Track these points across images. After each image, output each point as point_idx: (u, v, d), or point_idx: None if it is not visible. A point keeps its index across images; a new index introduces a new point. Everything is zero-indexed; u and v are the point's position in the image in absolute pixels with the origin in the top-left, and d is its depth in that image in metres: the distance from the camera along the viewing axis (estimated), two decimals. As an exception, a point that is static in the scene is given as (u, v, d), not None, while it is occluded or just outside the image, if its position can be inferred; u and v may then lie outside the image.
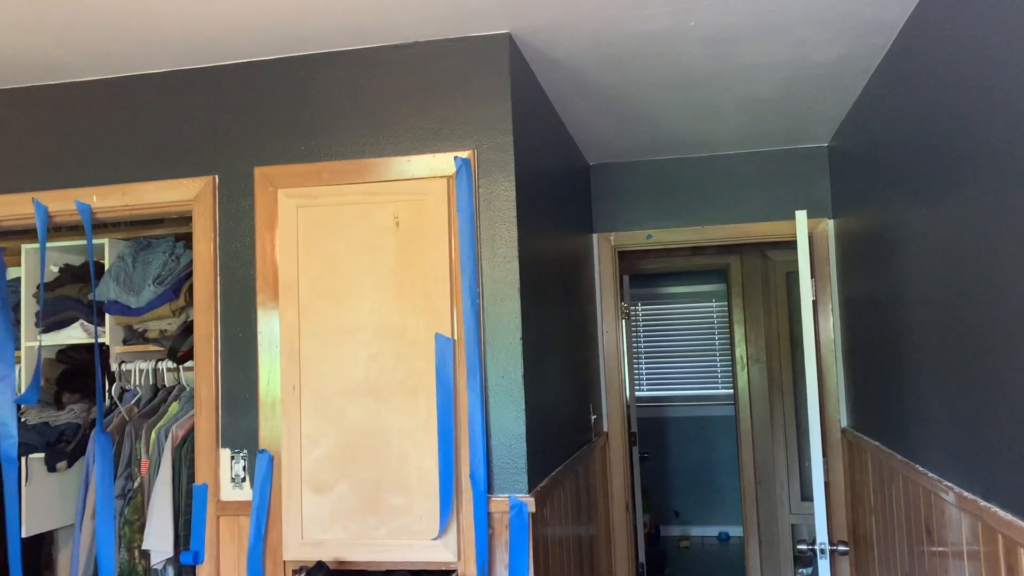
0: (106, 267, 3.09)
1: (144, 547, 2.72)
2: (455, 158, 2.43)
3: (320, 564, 2.34)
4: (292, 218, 2.52)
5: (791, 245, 4.79)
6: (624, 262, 4.41)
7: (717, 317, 7.33)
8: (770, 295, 5.59)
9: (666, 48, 2.66)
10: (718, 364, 7.34)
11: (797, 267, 4.23)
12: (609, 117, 3.41)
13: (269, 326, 2.51)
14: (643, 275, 7.05)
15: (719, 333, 7.32)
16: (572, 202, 3.61)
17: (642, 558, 5.16)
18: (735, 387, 5.63)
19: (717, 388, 7.35)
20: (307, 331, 2.48)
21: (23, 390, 3.08)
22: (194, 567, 2.57)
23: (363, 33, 2.45)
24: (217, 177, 2.61)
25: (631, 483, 4.36)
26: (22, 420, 3.03)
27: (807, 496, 5.46)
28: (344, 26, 2.40)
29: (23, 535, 3.08)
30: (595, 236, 4.18)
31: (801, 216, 3.25)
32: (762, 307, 5.59)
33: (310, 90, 2.57)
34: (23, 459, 3.07)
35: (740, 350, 5.61)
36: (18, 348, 3.14)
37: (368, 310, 2.44)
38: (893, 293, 2.81)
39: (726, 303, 7.02)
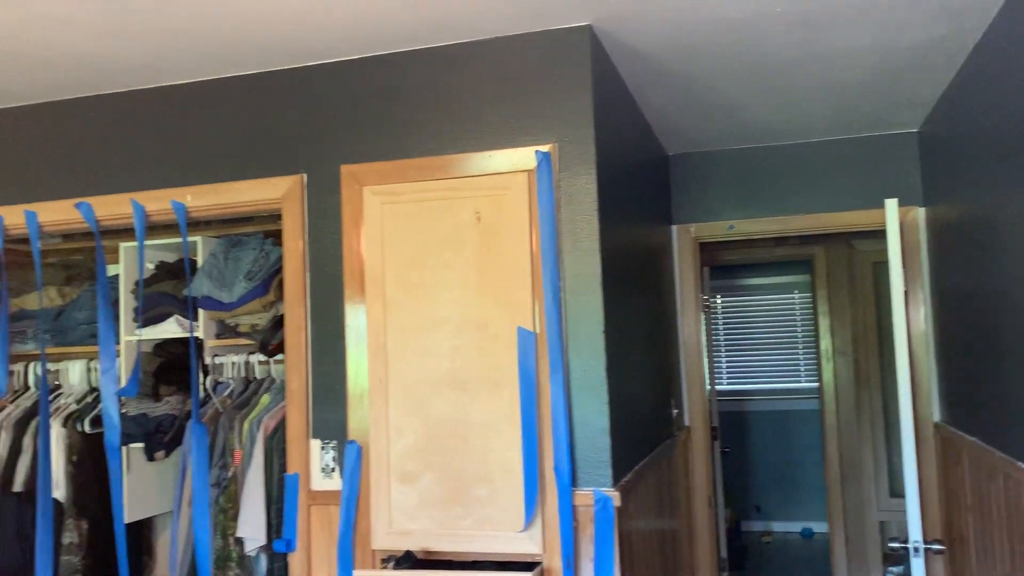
0: (199, 264, 3.21)
1: (238, 535, 2.82)
2: (536, 152, 2.43)
3: (408, 553, 2.39)
4: (377, 214, 2.57)
5: (878, 234, 4.64)
6: (704, 253, 4.35)
7: (800, 309, 7.17)
8: (856, 286, 5.43)
9: (749, 34, 2.61)
10: (801, 357, 7.18)
11: (885, 257, 4.11)
12: (689, 106, 3.36)
13: (356, 320, 2.56)
14: (724, 266, 6.94)
15: (802, 325, 7.16)
16: (652, 193, 3.58)
17: (724, 553, 5.09)
18: (820, 380, 5.50)
19: (800, 382, 7.19)
20: (393, 324, 2.52)
21: (124, 383, 3.22)
22: (286, 555, 2.66)
23: (446, 30, 2.48)
24: (305, 176, 2.68)
25: (712, 477, 4.31)
26: (123, 411, 3.17)
27: (896, 492, 5.30)
28: (428, 23, 2.43)
29: (125, 521, 3.22)
30: (675, 227, 4.13)
31: (891, 204, 3.15)
32: (848, 298, 5.44)
33: (394, 88, 2.61)
34: (124, 448, 3.21)
35: (825, 343, 5.47)
36: (118, 342, 3.29)
37: (451, 304, 2.48)
38: (992, 283, 2.70)
39: (810, 294, 6.85)
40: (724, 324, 7.30)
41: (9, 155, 2.97)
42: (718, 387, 7.29)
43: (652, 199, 3.58)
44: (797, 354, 7.19)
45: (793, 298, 7.17)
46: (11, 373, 3.46)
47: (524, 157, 2.46)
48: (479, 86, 2.53)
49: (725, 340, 7.29)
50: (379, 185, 2.58)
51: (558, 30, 2.47)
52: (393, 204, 2.56)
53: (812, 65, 2.92)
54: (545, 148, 2.43)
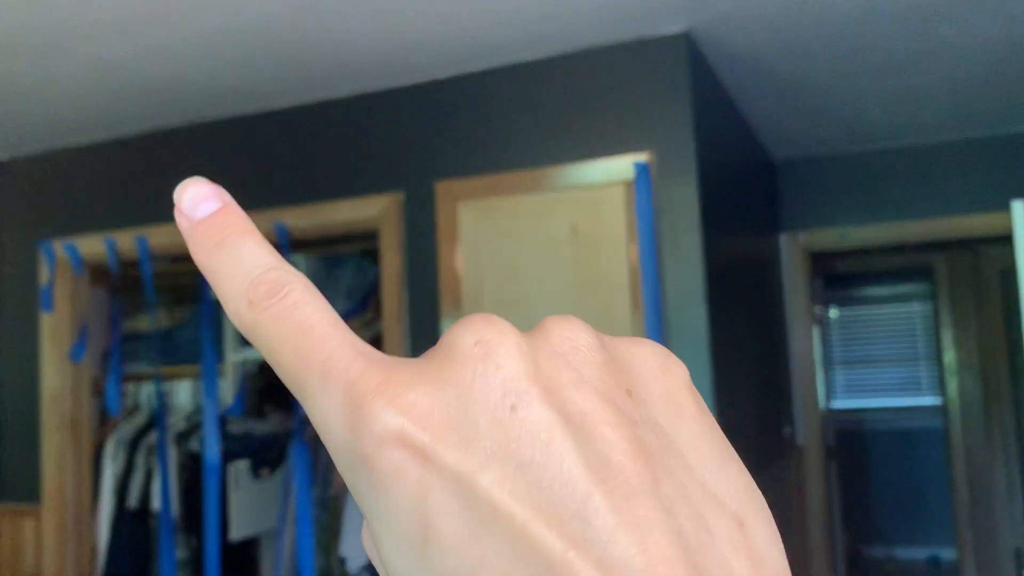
0: (301, 284, 3.25)
1: (340, 553, 2.82)
2: (633, 163, 2.35)
3: None
4: (472, 230, 2.54)
5: (1005, 240, 4.33)
6: (816, 263, 4.15)
7: (920, 321, 6.78)
8: (982, 295, 5.09)
9: (859, 31, 2.46)
10: (922, 372, 6.78)
11: (1013, 263, 3.82)
12: (795, 110, 3.21)
13: (452, 338, 2.53)
14: (836, 277, 6.64)
15: (923, 338, 6.76)
16: (757, 202, 3.43)
17: (843, 580, 4.82)
18: (944, 396, 5.16)
19: (922, 398, 6.79)
20: (489, 342, 2.48)
21: (229, 402, 3.30)
22: (387, 574, 2.64)
23: (540, 43, 2.43)
24: (402, 194, 2.68)
25: (829, 499, 4.08)
26: (228, 430, 3.24)
27: (1034, 518, 4.91)
28: (522, 38, 2.39)
29: (232, 539, 3.29)
30: (782, 236, 3.95)
31: (1018, 207, 2.91)
32: (973, 308, 5.09)
33: (487, 103, 2.59)
34: (230, 466, 3.28)
35: (948, 356, 5.13)
36: (223, 362, 3.37)
37: (548, 320, 2.41)
38: None
39: (931, 305, 6.47)
40: (839, 338, 6.98)
41: (121, 181, 3.09)
42: (833, 404, 6.96)
43: (758, 208, 3.43)
44: (918, 369, 6.79)
45: (912, 309, 6.79)
46: (124, 393, 3.60)
47: (621, 168, 2.38)
48: (573, 98, 2.47)
49: (840, 355, 6.96)
50: (473, 200, 2.55)
51: (655, 37, 2.39)
52: (488, 219, 2.52)
53: (929, 61, 2.74)
54: (643, 158, 2.35)
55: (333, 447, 0.21)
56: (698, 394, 0.23)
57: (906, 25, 2.43)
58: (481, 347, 0.21)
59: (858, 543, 6.61)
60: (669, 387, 0.23)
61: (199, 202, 0.24)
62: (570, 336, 0.23)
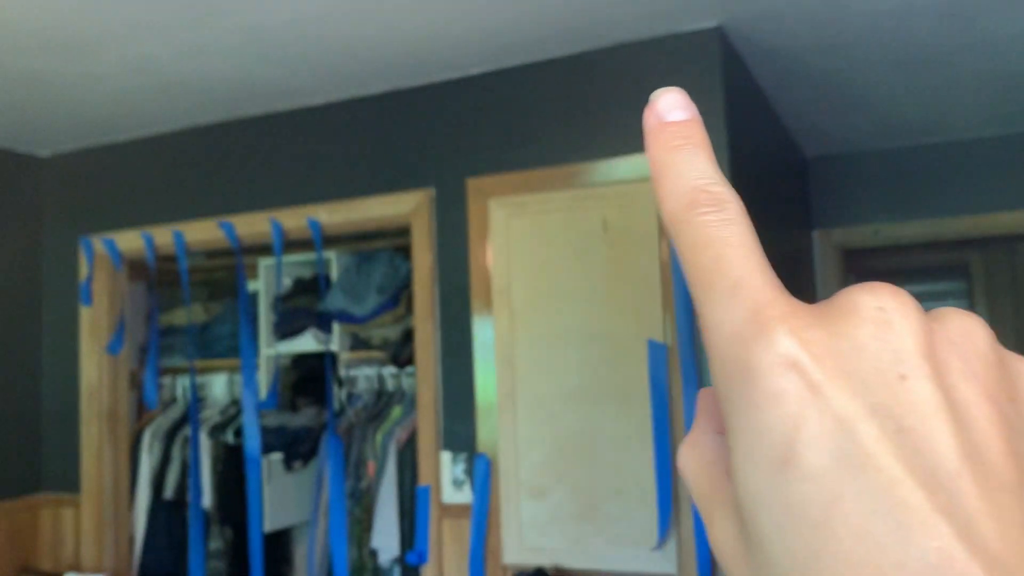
0: (333, 279, 3.29)
1: (372, 546, 2.85)
2: (665, 157, 2.35)
3: (539, 570, 2.34)
4: (503, 226, 2.55)
5: (1045, 237, 4.26)
6: (849, 260, 4.10)
7: (954, 319, 6.68)
8: (1020, 293, 5.00)
9: (896, 25, 2.44)
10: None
11: (1055, 261, 3.76)
12: (829, 106, 3.18)
13: (484, 332, 2.55)
14: (871, 274, 6.56)
15: (957, 337, 6.66)
16: (789, 198, 3.41)
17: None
18: (979, 396, 5.08)
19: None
20: (520, 337, 2.49)
21: (263, 395, 3.34)
22: (419, 567, 2.66)
23: (571, 39, 2.44)
24: (432, 190, 2.70)
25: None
26: (262, 423, 3.29)
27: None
28: (553, 34, 2.39)
29: (266, 530, 3.33)
30: (815, 233, 3.92)
31: (1062, 202, 2.87)
32: (1011, 307, 5.01)
33: (518, 99, 2.60)
34: (264, 459, 3.33)
35: (984, 355, 5.05)
36: (258, 356, 3.42)
37: (578, 315, 2.42)
38: None
39: (967, 303, 6.37)
40: (870, 336, 6.89)
41: (158, 178, 3.14)
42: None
43: (790, 204, 3.41)
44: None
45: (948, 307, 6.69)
46: (161, 386, 3.66)
47: (653, 163, 2.37)
48: (604, 93, 2.47)
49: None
50: (504, 197, 2.56)
51: (686, 33, 2.38)
52: (518, 215, 2.53)
53: (967, 56, 2.70)
54: (675, 153, 2.34)
55: (718, 356, 0.23)
56: None
57: (943, 19, 2.40)
58: (883, 313, 0.22)
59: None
60: None
61: (672, 107, 0.26)
62: (969, 330, 0.23)
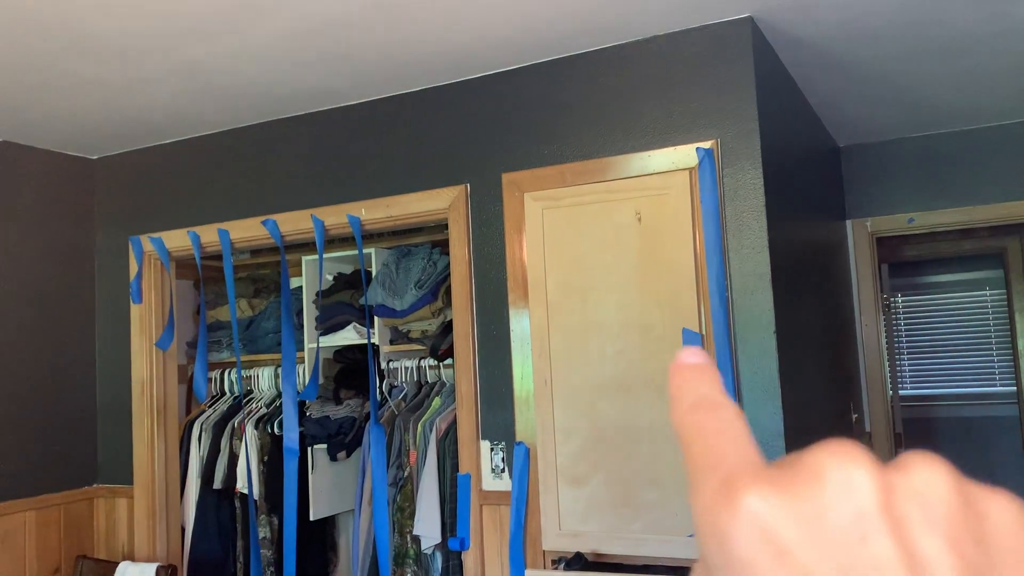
0: (373, 274, 3.37)
1: (414, 533, 2.93)
2: (697, 149, 2.39)
3: (578, 555, 2.39)
4: (538, 220, 2.60)
5: (1085, 222, 4.21)
6: (882, 249, 4.10)
7: (993, 307, 6.61)
8: (1059, 280, 4.95)
9: (928, 13, 2.45)
10: (995, 359, 6.61)
11: (1094, 246, 3.73)
12: (862, 95, 3.19)
13: (520, 324, 2.61)
14: (903, 263, 6.52)
15: (996, 325, 6.59)
16: (822, 188, 3.42)
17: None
18: (1019, 384, 5.05)
19: (995, 386, 6.62)
20: (555, 328, 2.55)
21: (303, 386, 3.43)
22: (460, 553, 2.73)
23: (604, 33, 2.48)
24: (468, 185, 2.76)
25: (898, 487, 4.04)
26: (307, 414, 3.38)
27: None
28: (587, 28, 2.44)
29: (311, 519, 3.43)
30: (848, 223, 3.92)
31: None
32: (1049, 294, 4.96)
33: (552, 94, 2.65)
34: (309, 450, 3.42)
35: (1023, 343, 5.02)
36: (302, 349, 3.51)
37: (613, 306, 2.47)
38: None
39: (1003, 291, 6.31)
40: (905, 325, 6.85)
41: (204, 178, 3.24)
42: (901, 391, 6.83)
43: (822, 193, 3.42)
44: (991, 356, 6.63)
45: (984, 295, 6.62)
46: (209, 380, 3.77)
47: (685, 155, 2.42)
48: (637, 86, 2.51)
49: (907, 342, 6.83)
50: (539, 191, 2.61)
51: (717, 24, 2.42)
52: (553, 209, 2.59)
53: (1002, 42, 2.70)
54: (707, 145, 2.38)
55: (698, 525, 0.25)
56: None
57: (977, 5, 2.41)
58: (844, 473, 0.23)
59: (929, 533, 6.48)
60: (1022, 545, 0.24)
61: (691, 355, 0.30)
62: (931, 478, 0.24)
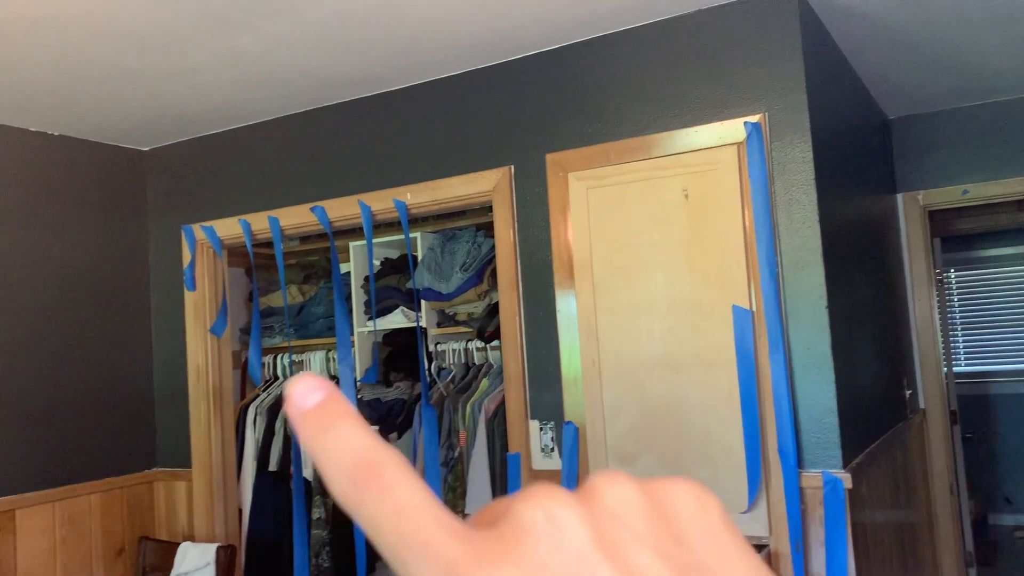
0: (419, 258, 3.40)
1: (466, 512, 2.97)
2: (744, 123, 2.36)
3: (629, 533, 2.40)
4: (582, 200, 2.60)
5: None
6: (934, 223, 4.01)
7: (1050, 280, 6.43)
8: (1121, 251, 4.80)
9: (981, -23, 2.38)
10: (1054, 334, 6.44)
11: None
12: (912, 64, 3.12)
13: (567, 304, 2.61)
14: (956, 237, 6.38)
15: (1054, 298, 6.41)
16: (871, 160, 3.36)
17: (970, 546, 4.68)
18: (1079, 358, 4.91)
19: (1054, 361, 6.45)
20: (602, 307, 2.55)
21: (358, 371, 3.48)
22: (512, 531, 2.76)
23: (647, 8, 2.46)
24: (512, 167, 2.76)
25: (954, 464, 3.98)
26: (359, 397, 3.43)
27: None
28: (630, 4, 2.42)
29: (364, 499, 3.48)
30: (899, 196, 3.85)
31: None
32: (1111, 265, 4.81)
33: (594, 73, 2.63)
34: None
35: (1084, 316, 4.87)
36: (352, 334, 3.56)
37: (661, 285, 2.46)
38: None
39: (1062, 264, 6.15)
40: (960, 301, 6.70)
41: (252, 166, 3.29)
42: (955, 368, 6.69)
43: (872, 166, 3.36)
44: (1049, 331, 6.46)
45: (1042, 268, 6.45)
46: (263, 365, 3.84)
47: (732, 130, 2.39)
48: (682, 61, 2.49)
49: (961, 317, 6.68)
50: (583, 171, 2.61)
51: (763, -4, 2.38)
52: (598, 188, 2.58)
53: (1058, 3, 2.62)
54: (754, 119, 2.36)
55: None
56: (731, 522, 0.26)
57: (1031, -32, 2.34)
58: (550, 521, 0.23)
59: (985, 510, 6.38)
60: (709, 526, 0.25)
61: (307, 394, 0.27)
62: (620, 495, 0.25)
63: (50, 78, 2.70)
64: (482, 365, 3.31)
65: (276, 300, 3.90)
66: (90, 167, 3.36)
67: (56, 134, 3.25)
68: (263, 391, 3.80)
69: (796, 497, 2.23)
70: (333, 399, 0.26)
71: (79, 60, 2.58)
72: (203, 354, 3.35)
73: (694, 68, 2.47)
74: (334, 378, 3.72)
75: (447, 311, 3.39)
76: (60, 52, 2.51)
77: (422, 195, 2.92)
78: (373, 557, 3.74)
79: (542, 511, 0.24)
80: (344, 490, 0.25)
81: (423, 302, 3.37)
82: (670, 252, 2.45)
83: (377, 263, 3.63)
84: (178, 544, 3.16)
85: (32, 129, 3.17)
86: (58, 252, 3.21)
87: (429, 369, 3.37)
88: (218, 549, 3.02)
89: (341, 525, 3.52)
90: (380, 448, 0.25)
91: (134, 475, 3.38)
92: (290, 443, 3.55)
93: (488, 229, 3.29)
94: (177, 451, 3.41)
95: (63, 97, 2.88)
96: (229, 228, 3.29)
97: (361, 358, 3.53)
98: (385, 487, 0.24)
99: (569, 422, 2.58)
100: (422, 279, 3.30)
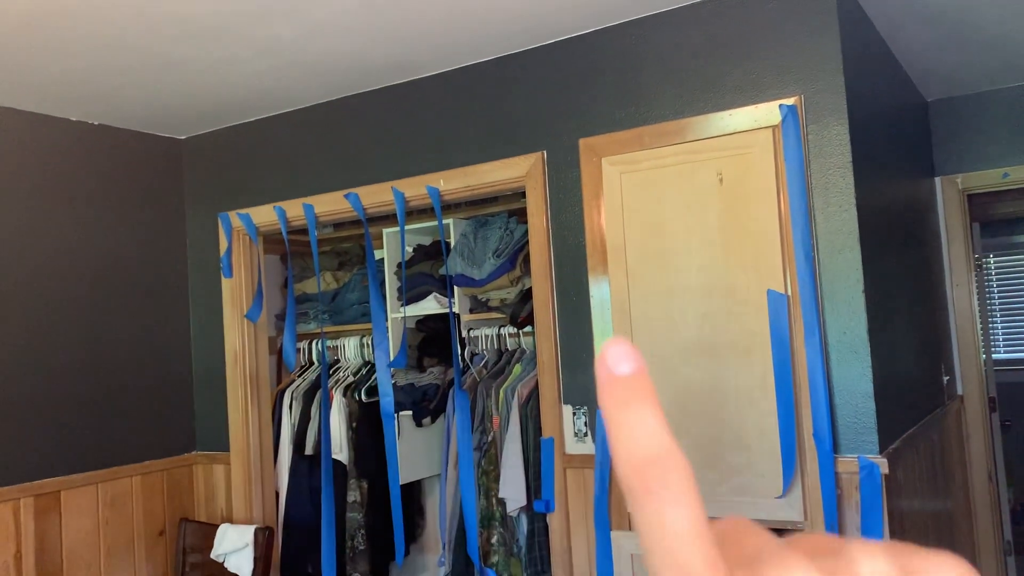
0: (451, 244, 3.41)
1: (500, 496, 2.99)
2: (780, 106, 2.34)
3: (663, 517, 2.40)
4: (616, 185, 2.60)
5: None
6: (973, 207, 3.94)
7: (1093, 266, 6.29)
8: None
9: (1024, -45, 2.33)
10: (1096, 320, 6.30)
11: None
12: (950, 45, 3.07)
13: (600, 289, 2.61)
14: (995, 222, 6.26)
15: (1096, 284, 6.28)
16: (909, 143, 3.31)
17: (1008, 536, 4.63)
18: (1122, 345, 4.80)
19: (1096, 348, 6.32)
20: (636, 293, 2.54)
21: (392, 357, 3.51)
22: (545, 515, 2.78)
23: (679, -8, 2.44)
24: (545, 153, 2.76)
25: (992, 451, 3.92)
26: (393, 382, 3.46)
27: None
28: (659, -13, 2.41)
29: (399, 483, 3.52)
30: (937, 180, 3.79)
31: None
32: None
33: (627, 57, 2.62)
34: (395, 416, 3.51)
35: None
36: (386, 319, 3.59)
37: (695, 270, 2.45)
38: None
39: (1105, 249, 6.02)
40: (999, 287, 6.59)
41: (287, 154, 3.32)
42: (994, 356, 6.58)
43: (909, 149, 3.31)
44: (1091, 318, 6.33)
45: (1084, 254, 6.31)
46: (298, 350, 3.89)
47: (767, 112, 2.37)
48: (716, 44, 2.47)
49: (1000, 305, 6.57)
50: (616, 155, 2.60)
51: (799, -24, 2.35)
52: (631, 173, 2.57)
53: (1104, -20, 2.56)
54: (790, 101, 2.33)
55: None
56: None
57: (1076, -56, 2.29)
58: None
59: (1023, 499, 6.28)
60: None
61: (620, 360, 0.27)
62: (875, 570, 0.25)
63: (90, 68, 2.75)
64: (515, 351, 3.33)
65: (311, 286, 3.94)
66: (129, 156, 3.42)
67: (96, 123, 3.30)
68: (299, 376, 3.84)
69: (832, 482, 2.22)
70: (642, 376, 0.27)
71: (118, 50, 2.62)
72: (240, 340, 3.40)
73: (728, 51, 2.45)
74: (368, 363, 3.76)
75: (480, 297, 3.41)
76: (99, 42, 2.55)
77: (455, 181, 2.93)
78: (407, 539, 3.78)
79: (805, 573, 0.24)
80: (628, 476, 0.26)
81: (456, 288, 3.39)
82: (704, 237, 2.44)
83: (409, 250, 3.65)
84: (217, 526, 3.22)
85: (73, 119, 3.23)
86: (99, 240, 3.27)
87: (462, 355, 3.39)
88: (256, 531, 3.08)
89: (376, 508, 3.56)
90: (673, 451, 0.26)
91: (174, 458, 3.45)
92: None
93: (520, 215, 3.30)
94: (215, 435, 3.47)
95: (102, 87, 2.93)
96: (265, 215, 3.33)
97: (394, 344, 3.56)
98: (667, 500, 0.25)
99: (602, 407, 2.58)
100: (455, 265, 3.32)
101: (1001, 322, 6.67)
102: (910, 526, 2.50)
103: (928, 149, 3.75)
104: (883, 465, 2.19)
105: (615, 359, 0.27)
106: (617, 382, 0.27)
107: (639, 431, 0.26)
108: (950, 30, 2.90)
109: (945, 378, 3.51)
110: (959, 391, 3.76)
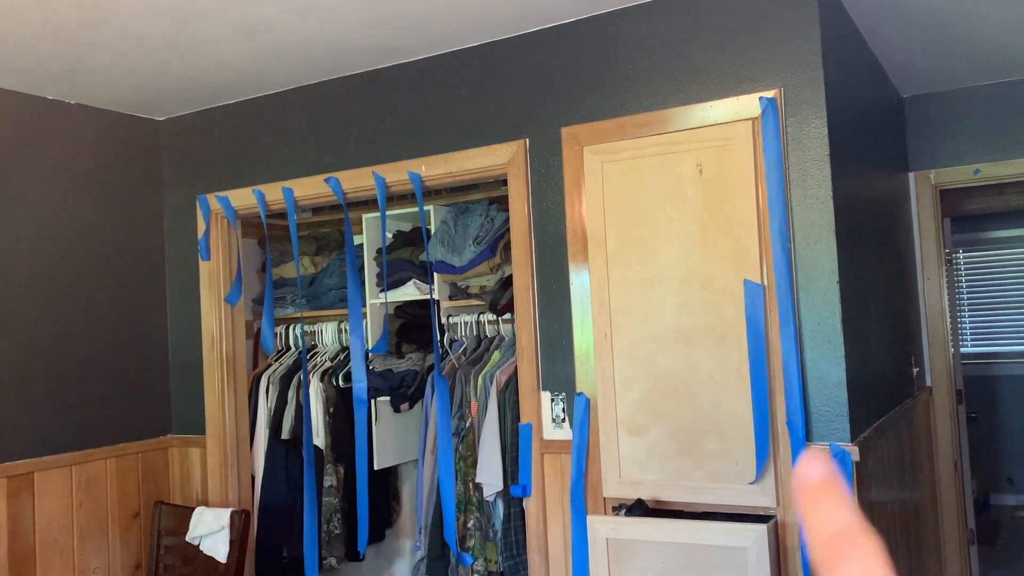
0: (431, 231, 3.42)
1: (477, 481, 3.01)
2: (760, 98, 2.37)
3: (639, 502, 2.44)
4: (597, 174, 2.62)
5: None
6: (945, 202, 4.01)
7: (1059, 263, 6.43)
8: None
9: (1000, -46, 2.38)
10: (1061, 316, 6.45)
11: None
12: (928, 42, 3.12)
13: (580, 278, 2.64)
14: (965, 218, 6.38)
15: (1062, 281, 6.42)
16: (884, 138, 3.37)
17: (971, 525, 4.73)
18: (1085, 340, 4.92)
19: (1060, 344, 6.47)
20: (616, 281, 2.57)
21: (370, 342, 3.52)
22: (522, 500, 2.80)
23: (662, -17, 2.46)
24: (527, 140, 2.78)
25: (958, 442, 4.01)
26: (370, 368, 3.47)
27: None
28: (643, -22, 2.42)
29: (375, 468, 3.53)
30: (911, 175, 3.85)
31: None
32: (1121, 247, 4.81)
33: (610, 47, 2.64)
34: (372, 401, 3.51)
35: (1091, 298, 4.88)
36: (364, 305, 3.59)
37: (674, 259, 2.48)
38: None
39: (1071, 246, 6.16)
40: (967, 282, 6.71)
41: (269, 137, 3.31)
42: (961, 349, 6.71)
43: (885, 145, 3.36)
44: (1056, 314, 6.47)
45: (1050, 251, 6.44)
46: (276, 335, 3.88)
47: (747, 105, 2.40)
48: (697, 36, 2.49)
49: (968, 299, 6.70)
50: (598, 144, 2.62)
51: (781, -29, 2.38)
52: (613, 162, 2.59)
53: (1076, -18, 2.61)
54: (770, 94, 2.37)
55: None
56: None
57: (1051, -54, 2.33)
58: None
59: (987, 490, 6.43)
60: None
61: (813, 469, 0.32)
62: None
63: (67, 47, 2.71)
64: (494, 338, 3.35)
65: (289, 271, 3.93)
66: (106, 136, 3.38)
67: (73, 103, 3.27)
68: (275, 360, 3.84)
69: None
70: (834, 480, 0.31)
71: (96, 29, 2.59)
72: (217, 323, 3.39)
73: (710, 42, 2.47)
74: (346, 348, 3.76)
75: (459, 284, 3.42)
76: (77, 21, 2.52)
77: (437, 167, 2.94)
78: (382, 524, 3.80)
79: None
80: (821, 555, 0.30)
81: (436, 275, 3.40)
82: (684, 227, 2.47)
83: (390, 235, 3.65)
84: (192, 509, 3.21)
85: (49, 97, 3.19)
86: (76, 221, 3.23)
87: (441, 341, 3.41)
88: (232, 514, 3.07)
89: (352, 492, 3.57)
90: (864, 526, 0.30)
91: (149, 441, 3.43)
92: (302, 412, 3.60)
93: (501, 202, 3.31)
94: (191, 418, 3.46)
95: (80, 66, 2.90)
96: (243, 198, 3.31)
97: (373, 329, 3.56)
98: (855, 571, 0.29)
99: (580, 393, 2.61)
100: (435, 252, 3.33)
101: (969, 317, 6.79)
102: (879, 512, 2.56)
103: (903, 144, 3.81)
104: (854, 453, 2.24)
105: (808, 468, 0.32)
106: (813, 487, 0.31)
107: (831, 516, 0.30)
108: (926, 29, 2.95)
109: (915, 370, 3.58)
110: (927, 383, 3.84)
